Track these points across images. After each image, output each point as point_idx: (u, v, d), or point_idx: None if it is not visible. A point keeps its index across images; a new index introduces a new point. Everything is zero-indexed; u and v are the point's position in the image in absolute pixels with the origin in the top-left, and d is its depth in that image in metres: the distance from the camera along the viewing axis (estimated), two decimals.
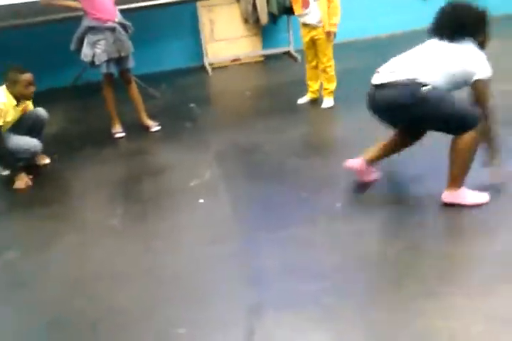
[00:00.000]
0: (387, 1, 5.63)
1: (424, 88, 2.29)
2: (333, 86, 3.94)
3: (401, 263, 2.15)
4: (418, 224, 2.39)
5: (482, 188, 2.49)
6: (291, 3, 3.81)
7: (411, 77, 2.33)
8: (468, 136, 2.32)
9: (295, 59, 5.26)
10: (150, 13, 4.86)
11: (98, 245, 2.56)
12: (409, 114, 2.37)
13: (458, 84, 2.38)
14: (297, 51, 5.30)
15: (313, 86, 4.03)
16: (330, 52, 3.83)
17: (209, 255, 2.35)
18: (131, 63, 3.77)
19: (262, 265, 2.23)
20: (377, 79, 2.45)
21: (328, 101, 3.95)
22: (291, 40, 5.32)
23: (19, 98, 3.25)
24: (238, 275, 2.20)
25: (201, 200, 2.84)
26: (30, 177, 3.24)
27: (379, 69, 2.48)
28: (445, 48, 2.40)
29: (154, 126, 3.91)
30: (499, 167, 2.50)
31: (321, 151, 3.32)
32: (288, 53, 5.43)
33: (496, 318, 1.78)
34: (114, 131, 3.87)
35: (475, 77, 2.31)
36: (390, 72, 2.41)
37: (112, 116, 3.88)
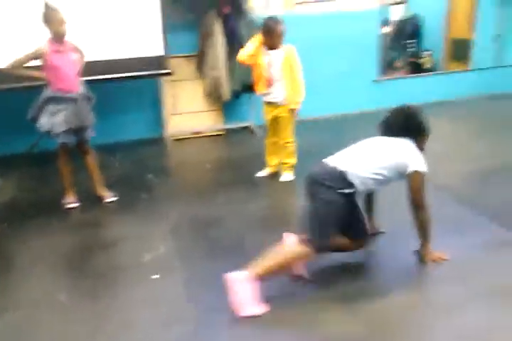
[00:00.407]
0: (342, 83, 5.96)
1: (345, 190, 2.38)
2: (293, 161, 4.01)
3: None
4: None
5: None
6: (253, 81, 3.94)
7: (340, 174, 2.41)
8: (302, 248, 2.36)
9: (255, 134, 5.39)
10: (113, 84, 4.94)
11: (42, 324, 2.36)
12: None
13: (390, 178, 2.49)
14: (257, 126, 5.45)
15: (272, 161, 4.10)
16: (291, 128, 3.94)
17: (163, 338, 2.20)
18: (90, 134, 3.73)
19: None
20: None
21: (287, 175, 4.00)
22: (252, 116, 5.47)
23: None
24: None
25: (155, 276, 2.71)
26: None
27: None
28: (383, 142, 2.59)
29: (109, 197, 3.81)
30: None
31: (281, 226, 3.28)
32: (248, 128, 5.55)
33: None
34: (66, 201, 3.75)
35: (410, 169, 2.46)
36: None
37: (66, 186, 3.77)
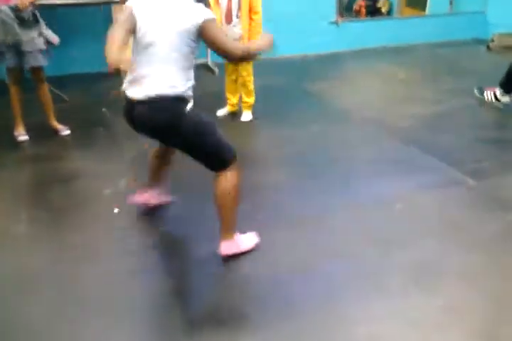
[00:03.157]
0: (300, 24, 5.86)
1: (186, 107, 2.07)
2: (252, 100, 3.99)
3: None
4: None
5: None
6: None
7: (167, 85, 2.03)
8: (229, 175, 2.19)
9: (213, 72, 5.28)
10: (63, 13, 4.64)
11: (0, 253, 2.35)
12: (169, 135, 2.12)
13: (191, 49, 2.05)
14: (214, 64, 5.34)
15: (232, 99, 4.06)
16: (250, 67, 3.88)
17: (122, 270, 2.23)
18: (41, 61, 3.50)
19: (173, 282, 2.16)
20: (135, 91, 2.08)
21: (246, 115, 4.00)
22: (208, 53, 5.32)
23: None
24: (153, 291, 2.11)
25: (116, 210, 2.71)
26: None
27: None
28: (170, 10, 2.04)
29: (64, 130, 3.69)
30: None
31: (239, 163, 3.32)
32: (206, 65, 5.42)
33: None
34: (16, 133, 3.60)
35: (200, 20, 1.98)
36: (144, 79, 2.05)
37: (16, 116, 3.61)
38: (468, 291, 2.04)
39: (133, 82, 2.08)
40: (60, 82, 4.58)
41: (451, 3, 6.82)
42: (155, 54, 2.04)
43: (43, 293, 2.09)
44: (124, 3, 2.14)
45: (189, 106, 2.11)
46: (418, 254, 2.28)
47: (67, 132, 3.69)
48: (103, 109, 4.16)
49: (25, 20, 3.34)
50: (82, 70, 5.12)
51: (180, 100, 2.07)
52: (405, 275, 2.14)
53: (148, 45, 2.04)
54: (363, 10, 7.42)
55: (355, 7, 7.48)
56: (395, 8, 7.33)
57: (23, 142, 3.58)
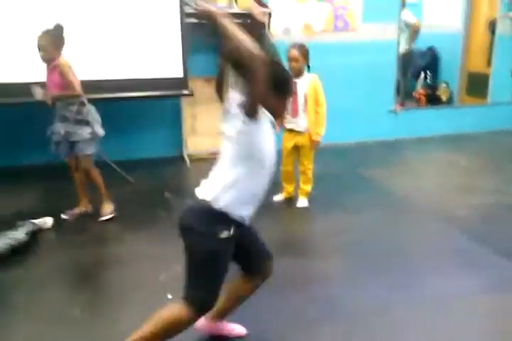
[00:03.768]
0: (359, 112, 6.03)
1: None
2: (309, 187, 4.05)
3: None
4: None
5: None
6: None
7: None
8: (179, 311, 1.92)
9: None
10: (135, 103, 5.05)
11: (55, 339, 2.38)
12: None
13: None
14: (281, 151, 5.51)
15: (288, 187, 4.14)
16: (312, 156, 4.00)
17: None
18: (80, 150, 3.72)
19: None
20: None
21: (303, 201, 4.04)
22: None
23: None
24: None
25: (169, 296, 2.73)
26: None
27: None
28: None
29: (105, 215, 3.83)
30: None
31: (293, 252, 3.31)
32: None
33: None
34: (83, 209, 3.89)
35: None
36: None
37: (81, 197, 3.91)
38: None
39: None
40: (126, 165, 4.88)
41: None
42: None
43: None
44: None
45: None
46: None
47: (106, 217, 3.81)
48: (166, 193, 4.34)
49: (66, 117, 3.63)
50: (148, 155, 5.43)
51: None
52: None
53: None
54: (423, 98, 7.55)
55: (415, 95, 7.64)
56: (455, 96, 7.41)
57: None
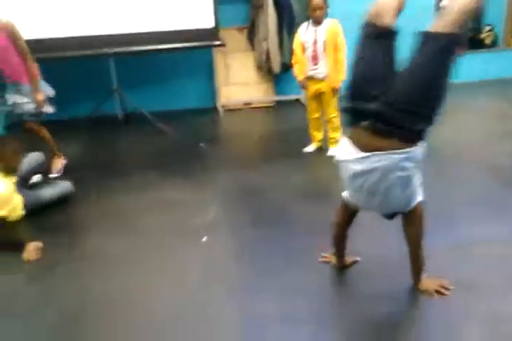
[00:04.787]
0: None
1: None
2: (338, 135, 4.08)
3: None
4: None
5: None
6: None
7: None
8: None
9: (304, 107, 5.45)
10: (168, 55, 5.11)
11: (98, 274, 2.62)
12: None
13: None
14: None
15: (318, 136, 4.19)
16: (334, 103, 4.00)
17: (208, 294, 2.39)
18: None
19: (259, 308, 2.26)
20: None
21: (333, 150, 4.09)
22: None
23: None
24: (234, 317, 2.23)
25: (204, 238, 2.91)
26: (40, 244, 2.86)
27: None
28: None
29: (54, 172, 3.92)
30: None
31: (323, 198, 3.40)
32: (298, 101, 5.63)
33: None
34: None
35: None
36: None
37: None
38: None
39: None
40: (162, 116, 5.02)
41: None
42: None
43: (132, 311, 2.31)
44: None
45: None
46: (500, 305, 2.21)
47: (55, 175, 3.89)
48: (200, 143, 4.48)
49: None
50: (182, 107, 5.55)
51: None
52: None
53: None
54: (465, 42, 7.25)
55: None
56: (501, 39, 7.07)
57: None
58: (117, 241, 2.94)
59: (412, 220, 2.15)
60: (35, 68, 3.59)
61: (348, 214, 2.31)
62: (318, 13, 3.71)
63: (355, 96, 2.03)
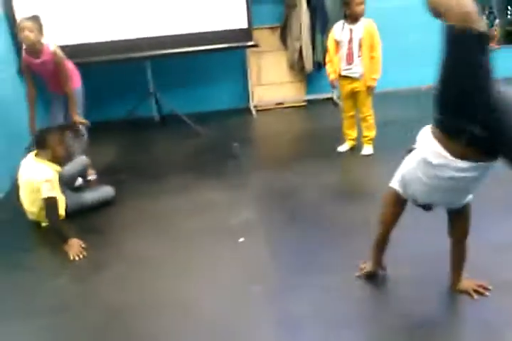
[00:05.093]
0: (426, 55, 5.77)
1: None
2: (373, 134, 4.07)
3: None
4: None
5: None
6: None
7: None
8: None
9: (337, 106, 5.44)
10: (201, 56, 5.18)
11: (136, 279, 2.68)
12: None
13: None
14: (339, 98, 5.49)
15: (352, 134, 4.18)
16: (369, 102, 4.00)
17: (245, 294, 2.44)
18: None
19: (295, 309, 2.30)
20: None
21: (367, 149, 4.08)
22: None
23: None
24: (270, 318, 2.28)
25: (241, 239, 2.95)
26: (82, 244, 2.99)
27: None
28: None
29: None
30: None
31: (357, 198, 3.41)
32: (331, 99, 5.62)
33: None
34: None
35: None
36: None
37: None
38: None
39: None
40: (197, 118, 5.10)
41: None
42: None
43: (170, 313, 2.38)
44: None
45: None
46: None
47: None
48: (234, 144, 4.53)
49: None
50: (216, 108, 5.61)
51: None
52: None
53: None
54: (497, 35, 7.07)
55: (492, 33, 7.16)
56: None
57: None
58: (157, 243, 3.02)
59: (466, 214, 2.17)
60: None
61: (398, 211, 2.27)
62: (360, 8, 3.70)
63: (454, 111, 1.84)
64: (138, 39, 4.81)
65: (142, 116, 5.26)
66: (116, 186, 3.70)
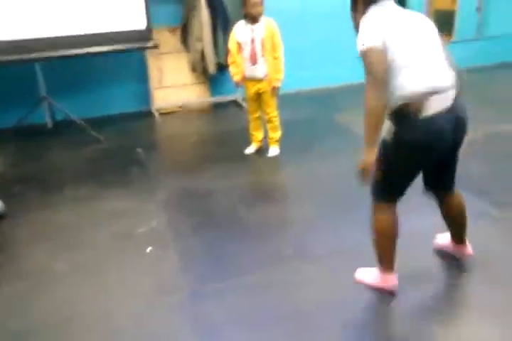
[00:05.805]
0: (327, 56, 5.98)
1: None
2: (278, 135, 4.10)
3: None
4: None
5: None
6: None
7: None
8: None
9: (241, 107, 5.44)
10: (99, 58, 4.93)
11: (45, 292, 2.50)
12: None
13: None
14: (244, 100, 5.50)
15: (258, 136, 4.18)
16: (274, 103, 4.01)
17: (155, 306, 2.34)
18: None
19: (211, 315, 2.25)
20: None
21: (273, 150, 4.11)
22: (238, 89, 5.48)
23: None
24: (185, 327, 2.20)
25: (149, 249, 2.83)
26: None
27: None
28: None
29: None
30: None
31: (269, 199, 3.42)
32: (235, 102, 5.60)
33: None
34: None
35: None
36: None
37: None
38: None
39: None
40: (95, 123, 4.83)
41: (477, 27, 6.82)
42: None
43: (80, 330, 2.20)
44: None
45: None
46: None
47: None
48: (137, 149, 4.35)
49: None
50: (116, 111, 5.36)
51: None
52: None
53: None
54: None
55: None
56: None
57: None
58: (61, 256, 2.82)
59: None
60: None
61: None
62: (257, 9, 3.69)
63: None
64: (28, 40, 4.43)
65: (33, 122, 4.88)
66: (9, 199, 3.40)
